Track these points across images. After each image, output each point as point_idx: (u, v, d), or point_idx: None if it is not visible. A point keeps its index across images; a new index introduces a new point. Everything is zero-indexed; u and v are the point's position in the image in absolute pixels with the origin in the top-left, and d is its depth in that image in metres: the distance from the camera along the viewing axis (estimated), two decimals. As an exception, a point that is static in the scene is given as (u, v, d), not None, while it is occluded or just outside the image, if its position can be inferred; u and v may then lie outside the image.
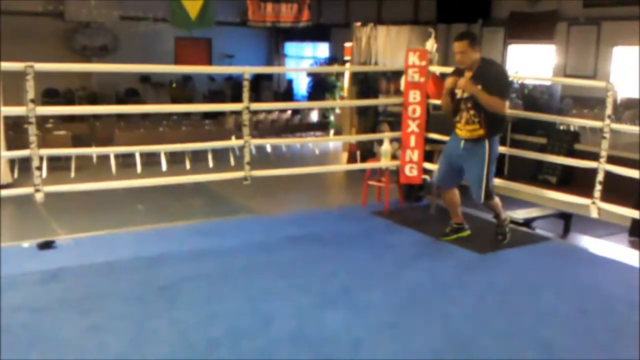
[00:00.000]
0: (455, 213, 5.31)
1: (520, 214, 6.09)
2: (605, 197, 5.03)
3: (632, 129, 6.67)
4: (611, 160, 5.02)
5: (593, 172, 5.03)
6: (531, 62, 10.89)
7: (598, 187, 4.97)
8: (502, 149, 6.93)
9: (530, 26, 10.35)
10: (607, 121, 4.90)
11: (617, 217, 5.54)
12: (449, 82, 4.88)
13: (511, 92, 4.68)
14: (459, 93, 4.83)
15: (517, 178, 7.33)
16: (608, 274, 4.69)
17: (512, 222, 5.94)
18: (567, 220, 6.17)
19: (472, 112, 4.77)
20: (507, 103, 4.75)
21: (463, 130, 4.88)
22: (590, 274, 4.67)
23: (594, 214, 5.02)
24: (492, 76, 4.71)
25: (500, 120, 4.83)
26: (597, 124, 5.11)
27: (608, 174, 4.98)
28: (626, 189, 5.96)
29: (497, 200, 5.10)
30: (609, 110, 4.90)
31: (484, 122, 4.75)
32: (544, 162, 8.47)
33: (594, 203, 5.00)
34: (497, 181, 5.92)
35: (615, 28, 9.19)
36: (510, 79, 4.82)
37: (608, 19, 9.25)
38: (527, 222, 5.95)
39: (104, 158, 9.46)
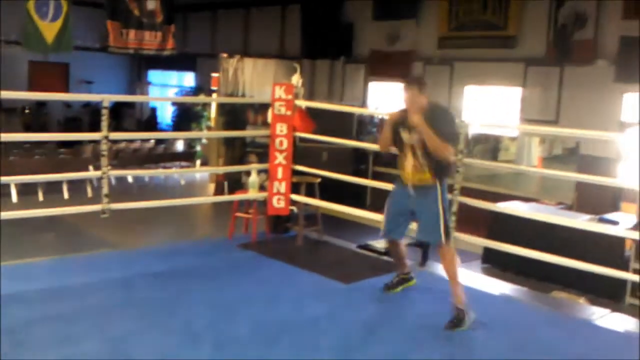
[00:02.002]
0: (404, 264, 5.06)
1: (381, 244, 6.29)
2: (460, 227, 5.31)
3: (482, 163, 7.17)
4: (464, 192, 5.33)
5: (449, 203, 5.30)
6: (390, 98, 11.40)
7: (452, 217, 5.24)
8: (364, 181, 7.20)
9: (389, 64, 10.84)
10: (460, 156, 5.20)
11: (470, 246, 5.87)
12: (394, 116, 4.58)
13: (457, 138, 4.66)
14: (406, 138, 4.47)
15: (379, 208, 7.60)
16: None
17: (374, 251, 6.14)
18: (425, 249, 6.45)
19: (420, 159, 4.41)
20: (453, 150, 4.45)
21: (411, 178, 4.50)
22: (447, 300, 4.89)
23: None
24: (440, 121, 4.37)
25: (448, 165, 4.55)
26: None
27: (461, 205, 5.28)
28: (478, 219, 6.37)
29: (454, 253, 4.60)
30: (461, 145, 5.21)
31: (433, 170, 4.41)
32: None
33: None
34: (360, 212, 6.10)
35: (466, 68, 9.87)
36: (455, 122, 4.60)
37: (460, 59, 9.91)
38: (388, 252, 6.16)
39: (-56, 189, 8.66)
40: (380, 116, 10.65)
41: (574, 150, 8.63)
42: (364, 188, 9.25)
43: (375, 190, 9.24)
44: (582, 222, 5.95)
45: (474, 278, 5.60)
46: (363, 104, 11.29)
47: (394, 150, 4.71)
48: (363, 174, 9.49)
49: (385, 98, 11.47)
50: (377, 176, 9.72)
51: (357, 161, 9.89)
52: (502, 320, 4.51)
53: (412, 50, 10.59)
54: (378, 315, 4.46)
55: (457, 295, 4.39)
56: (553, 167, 8.72)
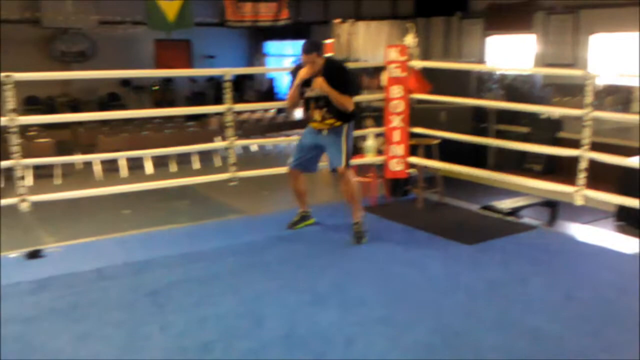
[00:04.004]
0: (304, 202, 5.52)
1: (507, 204, 6.14)
2: (591, 183, 5.07)
3: (613, 116, 6.76)
4: (595, 146, 5.06)
5: (577, 159, 5.07)
6: (511, 52, 10.96)
7: (582, 174, 5.02)
8: (486, 140, 7.05)
9: (509, 17, 10.40)
10: (587, 109, 4.94)
11: (602, 203, 5.59)
12: (303, 73, 4.96)
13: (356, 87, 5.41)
14: (307, 92, 5.02)
15: (502, 168, 7.40)
16: (596, 260, 4.74)
17: (499, 212, 6.00)
18: (553, 208, 6.22)
19: (324, 109, 5.02)
20: (353, 99, 5.03)
21: (322, 124, 5.10)
22: (578, 260, 4.72)
23: (579, 201, 5.07)
24: (336, 76, 4.95)
25: (352, 112, 5.11)
26: (577, 112, 5.16)
27: (592, 161, 5.02)
28: (611, 175, 6.03)
29: (354, 178, 5.23)
30: (588, 99, 4.94)
31: (337, 116, 5.03)
32: (529, 151, 8.54)
33: (578, 190, 5.04)
34: (482, 172, 5.98)
35: (592, 16, 9.28)
36: (351, 73, 5.15)
37: (584, 7, 9.33)
38: (514, 212, 6.00)
39: (89, 163, 9.41)
40: (500, 72, 10.29)
41: None
42: (485, 147, 9.02)
43: (498, 149, 9.01)
44: None
45: (606, 236, 5.35)
46: (481, 60, 10.94)
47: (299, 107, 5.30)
48: (484, 133, 9.23)
49: (505, 52, 11.05)
50: (499, 134, 9.44)
51: (478, 120, 9.60)
52: (636, 279, 4.29)
53: (532, 0, 10.08)
54: (502, 276, 4.38)
55: (356, 213, 5.12)
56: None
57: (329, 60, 5.08)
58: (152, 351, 3.35)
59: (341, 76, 5.01)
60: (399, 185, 6.53)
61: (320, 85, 4.90)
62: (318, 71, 4.92)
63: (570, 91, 9.10)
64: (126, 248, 5.09)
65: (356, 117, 5.28)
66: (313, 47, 4.97)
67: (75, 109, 14.45)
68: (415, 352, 3.32)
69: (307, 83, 5.00)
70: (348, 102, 4.97)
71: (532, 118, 9.39)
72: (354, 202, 5.15)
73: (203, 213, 6.96)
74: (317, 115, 5.09)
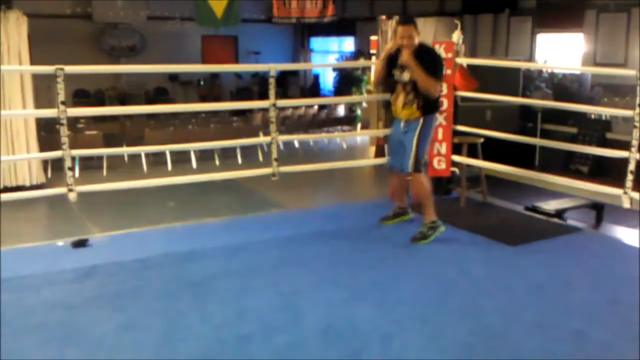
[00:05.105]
0: (402, 198, 5.49)
1: (552, 205, 6.03)
2: (639, 186, 4.92)
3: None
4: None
5: (626, 161, 4.94)
6: (560, 51, 10.73)
7: (630, 176, 4.88)
8: (532, 140, 6.91)
9: (558, 15, 10.19)
10: (638, 110, 4.80)
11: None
12: (388, 52, 4.94)
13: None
14: (397, 75, 4.94)
15: (548, 169, 7.26)
16: (642, 264, 4.61)
17: (544, 213, 5.89)
18: (599, 210, 6.08)
19: (410, 95, 4.91)
20: (439, 86, 4.98)
21: (401, 112, 5.01)
22: (624, 264, 4.60)
23: (626, 204, 4.93)
24: (429, 58, 4.84)
25: (435, 101, 5.03)
26: (627, 113, 5.02)
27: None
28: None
29: (425, 179, 5.09)
30: (639, 99, 4.80)
31: (421, 105, 4.90)
32: (576, 152, 8.36)
33: (625, 193, 4.90)
34: (527, 172, 5.88)
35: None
36: (443, 63, 5.10)
37: (639, 5, 9.06)
38: (559, 213, 5.88)
39: (135, 156, 9.60)
40: (549, 70, 10.08)
41: None
42: (531, 147, 8.87)
43: (544, 149, 8.85)
44: None
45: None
46: (530, 58, 10.74)
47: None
48: (530, 133, 9.07)
49: (554, 50, 10.82)
50: (546, 134, 9.26)
51: (524, 119, 9.45)
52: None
53: (583, -3, 9.85)
54: (545, 278, 4.30)
55: (428, 213, 5.01)
56: None
57: (422, 44, 4.94)
58: (192, 341, 3.40)
59: (432, 59, 4.90)
60: (441, 184, 6.46)
61: (407, 60, 4.74)
62: (411, 48, 4.78)
63: (620, 91, 8.86)
64: (170, 239, 5.18)
65: (438, 110, 5.21)
66: (411, 20, 4.85)
67: (123, 102, 14.76)
68: (453, 352, 3.29)
69: (397, 64, 4.90)
70: (433, 86, 4.83)
71: (580, 118, 9.19)
72: (426, 202, 5.06)
73: (246, 206, 7.03)
74: (401, 100, 4.96)
